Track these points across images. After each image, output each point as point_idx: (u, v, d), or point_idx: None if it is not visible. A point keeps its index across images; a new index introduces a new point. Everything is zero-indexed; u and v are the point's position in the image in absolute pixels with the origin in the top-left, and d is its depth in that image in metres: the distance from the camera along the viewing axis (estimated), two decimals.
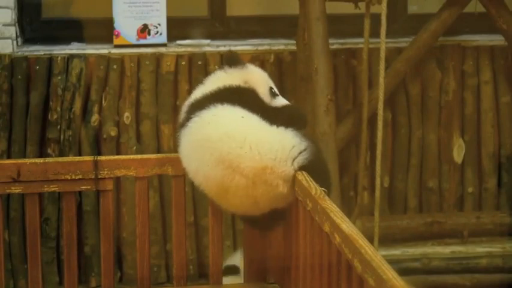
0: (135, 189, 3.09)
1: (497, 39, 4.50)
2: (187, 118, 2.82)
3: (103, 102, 4.35)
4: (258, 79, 2.94)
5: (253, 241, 3.10)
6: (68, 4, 4.68)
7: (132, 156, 3.25)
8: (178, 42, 4.50)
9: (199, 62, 4.40)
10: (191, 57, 4.41)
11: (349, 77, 4.52)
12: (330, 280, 2.40)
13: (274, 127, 2.74)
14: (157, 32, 4.46)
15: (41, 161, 3.04)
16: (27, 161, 3.07)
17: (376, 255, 2.03)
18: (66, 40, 4.50)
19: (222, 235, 3.12)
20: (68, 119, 4.29)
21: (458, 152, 4.60)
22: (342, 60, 4.49)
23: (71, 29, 4.54)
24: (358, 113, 4.33)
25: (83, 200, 4.30)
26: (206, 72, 4.39)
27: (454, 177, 4.61)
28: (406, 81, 4.53)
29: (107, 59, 4.35)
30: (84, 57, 4.33)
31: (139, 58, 4.38)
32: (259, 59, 4.43)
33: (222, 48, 4.45)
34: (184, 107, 2.93)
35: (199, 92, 2.93)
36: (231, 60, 2.96)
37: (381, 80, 4.00)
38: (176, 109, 4.29)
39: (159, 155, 3.22)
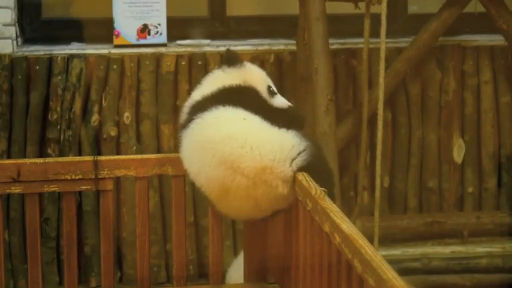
0: (135, 189, 3.10)
1: (497, 39, 4.50)
2: (189, 119, 2.82)
3: (103, 102, 4.35)
4: (257, 78, 2.95)
5: (253, 241, 3.10)
6: (68, 4, 4.68)
7: (132, 156, 3.25)
8: (178, 42, 4.50)
9: (199, 62, 4.40)
10: (191, 57, 4.41)
11: (349, 77, 4.52)
12: (330, 280, 2.40)
13: (275, 128, 2.75)
14: (157, 32, 4.46)
15: (41, 161, 3.04)
16: (27, 161, 3.08)
17: (376, 255, 2.03)
18: (66, 40, 4.50)
19: (222, 235, 3.12)
20: (68, 119, 4.29)
21: (458, 152, 4.60)
22: (342, 60, 4.49)
23: (71, 29, 4.54)
24: (358, 113, 4.33)
25: (83, 200, 4.30)
26: (206, 72, 4.35)
27: (454, 177, 4.61)
28: (406, 81, 4.53)
29: (107, 59, 4.35)
30: (84, 57, 4.33)
31: (139, 58, 4.38)
32: (259, 59, 4.43)
33: (222, 48, 4.45)
34: (185, 108, 2.93)
35: (199, 93, 2.93)
36: (230, 59, 2.96)
37: (381, 80, 4.00)
38: (176, 109, 4.29)
39: (159, 155, 3.22)
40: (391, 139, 4.57)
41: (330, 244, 2.34)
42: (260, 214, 2.78)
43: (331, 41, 4.04)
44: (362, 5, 4.14)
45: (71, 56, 4.33)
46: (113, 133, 4.33)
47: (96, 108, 4.33)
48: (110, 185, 3.06)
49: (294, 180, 2.69)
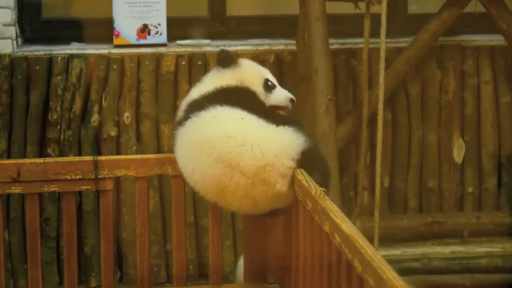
0: (135, 189, 3.10)
1: (497, 39, 4.50)
2: (185, 117, 2.83)
3: (103, 102, 4.35)
4: (253, 76, 2.95)
5: (253, 241, 3.10)
6: (68, 4, 4.68)
7: (132, 156, 3.25)
8: (178, 42, 4.50)
9: (199, 62, 4.40)
10: (191, 57, 4.41)
11: (349, 77, 4.52)
12: (330, 280, 2.40)
13: (273, 126, 2.75)
14: (157, 32, 4.46)
15: (41, 161, 3.04)
16: (27, 161, 3.08)
17: (376, 255, 2.03)
18: (66, 40, 4.50)
19: (222, 235, 3.12)
20: (68, 119, 4.29)
21: (458, 152, 4.60)
22: (342, 60, 4.49)
23: (71, 29, 4.54)
24: (358, 113, 4.33)
25: (83, 200, 4.30)
26: (206, 72, 4.37)
27: (454, 177, 4.61)
28: (406, 81, 4.53)
29: (107, 59, 4.35)
30: (84, 57, 4.33)
31: (139, 58, 4.38)
32: (259, 59, 4.42)
33: (222, 48, 4.45)
34: (182, 106, 2.94)
35: (196, 92, 2.94)
36: (224, 60, 2.98)
37: (381, 80, 4.00)
38: (176, 109, 4.28)
39: (159, 155, 3.22)
40: (391, 139, 4.57)
41: (330, 244, 2.34)
42: (258, 212, 2.78)
43: (331, 41, 4.04)
44: (362, 5, 4.14)
45: (71, 56, 4.33)
46: (113, 133, 4.33)
47: (96, 108, 4.33)
48: (110, 185, 3.06)
49: (292, 177, 2.69)
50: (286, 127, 2.75)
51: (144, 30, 4.46)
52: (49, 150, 4.29)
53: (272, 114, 2.84)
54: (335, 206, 2.39)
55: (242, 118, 2.75)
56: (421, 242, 4.56)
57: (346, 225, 2.24)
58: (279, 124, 2.76)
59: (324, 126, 3.94)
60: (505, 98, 4.61)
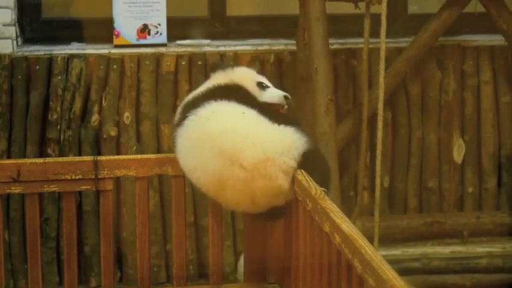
0: (135, 189, 3.10)
1: (497, 39, 4.50)
2: (183, 117, 2.84)
3: (103, 102, 4.35)
4: (244, 78, 2.98)
5: (253, 241, 3.10)
6: (68, 4, 4.68)
7: (132, 156, 3.25)
8: (178, 42, 4.50)
9: (199, 62, 4.40)
10: (191, 57, 4.41)
11: (349, 77, 4.52)
12: (330, 280, 2.40)
13: (274, 124, 2.76)
14: (157, 32, 4.46)
15: (41, 161, 3.04)
16: (27, 161, 3.08)
17: (376, 255, 2.03)
18: (66, 40, 4.50)
19: (222, 235, 3.12)
20: (68, 119, 4.29)
21: (458, 152, 4.60)
22: (342, 60, 4.49)
23: (71, 29, 4.54)
24: (358, 113, 4.33)
25: (83, 200, 4.30)
26: (206, 72, 4.40)
27: (454, 177, 4.61)
28: (406, 81, 4.53)
29: (107, 59, 4.35)
30: (84, 57, 4.33)
31: (139, 58, 4.38)
32: (259, 59, 4.43)
33: (222, 48, 4.46)
34: (179, 109, 2.97)
35: (191, 95, 2.98)
36: (216, 66, 3.05)
37: (381, 80, 4.00)
38: (176, 109, 4.28)
39: (159, 155, 3.23)
40: (391, 139, 4.57)
41: (330, 244, 2.34)
42: (257, 210, 2.78)
43: (331, 41, 4.04)
44: (362, 5, 4.14)
45: (71, 56, 4.33)
46: (113, 133, 4.33)
47: (96, 108, 4.33)
48: (110, 185, 3.06)
49: (293, 175, 2.69)
50: (288, 127, 2.76)
51: (144, 30, 4.46)
52: (49, 150, 4.29)
53: (271, 112, 2.84)
54: (335, 206, 2.39)
55: (243, 112, 2.77)
56: (421, 242, 4.56)
57: (346, 225, 2.24)
58: (279, 123, 2.77)
59: (324, 126, 3.94)
60: (505, 98, 4.61)
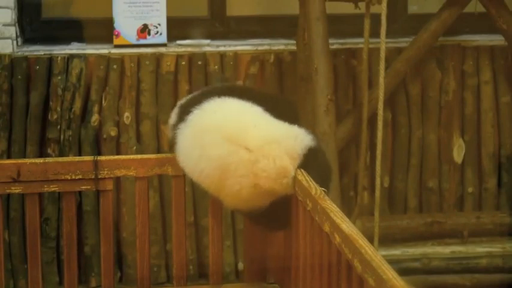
0: (135, 189, 3.10)
1: (497, 39, 4.50)
2: (186, 113, 2.85)
3: (103, 102, 4.35)
4: None
5: (253, 241, 3.10)
6: (68, 4, 4.68)
7: (132, 156, 3.25)
8: (178, 42, 4.50)
9: (199, 62, 4.40)
10: (191, 57, 4.41)
11: (349, 77, 4.52)
12: (330, 280, 2.40)
13: (280, 122, 2.79)
14: (157, 32, 4.46)
15: (41, 161, 3.05)
16: (27, 161, 3.08)
17: (376, 255, 2.03)
18: (66, 40, 4.50)
19: (222, 235, 3.12)
20: (68, 119, 4.29)
21: (458, 152, 4.60)
22: (342, 60, 4.49)
23: (71, 29, 4.54)
24: (358, 113, 4.33)
25: (83, 200, 4.30)
26: (206, 72, 4.40)
27: (454, 177, 4.61)
28: (406, 81, 4.53)
29: (107, 59, 4.35)
30: (84, 57, 4.33)
31: (139, 58, 4.38)
32: (259, 59, 4.43)
33: (222, 48, 4.45)
34: (176, 109, 2.98)
35: (188, 96, 3.02)
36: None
37: (381, 80, 4.00)
38: None
39: (159, 155, 3.23)
40: (391, 139, 4.57)
41: (330, 244, 2.34)
42: (258, 199, 2.76)
43: (331, 41, 4.04)
44: (362, 5, 4.14)
45: (71, 56, 4.33)
46: (113, 133, 4.33)
47: (96, 108, 4.33)
48: (110, 185, 3.06)
49: (297, 162, 2.70)
50: (292, 125, 2.78)
51: (144, 30, 4.46)
52: (49, 150, 4.29)
53: (276, 111, 2.86)
54: (335, 206, 2.39)
55: (251, 105, 2.79)
56: (421, 242, 4.56)
57: (346, 225, 2.24)
58: (285, 120, 2.79)
59: (324, 126, 3.94)
60: (505, 98, 4.61)
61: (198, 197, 4.32)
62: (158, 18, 4.46)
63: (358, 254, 2.09)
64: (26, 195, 3.04)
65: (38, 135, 4.30)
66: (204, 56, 4.42)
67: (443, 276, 4.47)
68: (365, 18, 4.14)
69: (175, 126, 2.91)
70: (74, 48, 4.42)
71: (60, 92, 4.29)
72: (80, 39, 4.52)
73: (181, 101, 3.02)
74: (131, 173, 3.07)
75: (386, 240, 4.42)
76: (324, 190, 2.54)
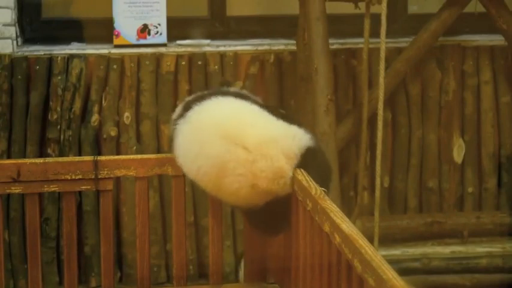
0: (135, 189, 3.10)
1: (497, 39, 4.50)
2: (187, 109, 2.86)
3: (103, 102, 4.35)
4: None
5: (253, 241, 3.10)
6: (68, 4, 4.68)
7: (132, 156, 3.25)
8: (178, 42, 4.50)
9: (199, 62, 4.40)
10: (191, 57, 4.41)
11: (349, 77, 4.52)
12: (330, 280, 2.40)
13: (279, 121, 2.79)
14: (157, 32, 4.46)
15: (41, 161, 3.05)
16: (27, 161, 3.08)
17: (376, 255, 2.03)
18: (66, 40, 4.50)
19: (222, 235, 3.12)
20: (68, 119, 4.29)
21: (458, 152, 4.60)
22: (342, 60, 4.49)
23: (71, 29, 4.54)
24: (358, 113, 4.33)
25: (83, 200, 4.30)
26: (206, 72, 4.40)
27: (454, 177, 4.61)
28: (406, 81, 4.53)
29: (107, 59, 4.35)
30: (84, 57, 4.33)
31: (139, 58, 4.38)
32: (259, 59, 4.43)
33: (222, 48, 4.45)
34: (180, 106, 2.99)
35: (193, 94, 3.03)
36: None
37: (381, 80, 4.00)
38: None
39: (159, 155, 3.23)
40: (391, 139, 4.57)
41: (330, 244, 2.34)
42: (258, 197, 2.76)
43: (331, 41, 4.04)
44: (362, 5, 4.14)
45: (71, 56, 4.33)
46: (113, 133, 4.33)
47: (96, 108, 4.33)
48: (110, 185, 3.06)
49: (295, 162, 2.70)
50: (291, 125, 2.79)
51: (144, 30, 4.46)
52: (49, 150, 4.29)
53: (276, 113, 2.86)
54: (335, 206, 2.39)
55: (251, 104, 2.80)
56: (421, 242, 4.56)
57: (346, 225, 2.24)
58: (284, 120, 2.80)
59: (324, 126, 3.94)
60: (505, 98, 4.61)
61: (198, 197, 4.32)
62: (158, 18, 4.46)
63: (358, 254, 2.09)
64: (26, 195, 3.04)
65: (38, 135, 4.30)
66: (204, 56, 4.42)
67: (443, 276, 4.47)
68: (365, 18, 4.14)
69: (176, 120, 2.91)
70: (74, 48, 4.42)
71: (60, 92, 4.29)
72: (80, 39, 4.52)
73: (188, 98, 3.02)
74: (131, 173, 3.07)
75: (386, 240, 4.41)
76: (324, 190, 2.54)
